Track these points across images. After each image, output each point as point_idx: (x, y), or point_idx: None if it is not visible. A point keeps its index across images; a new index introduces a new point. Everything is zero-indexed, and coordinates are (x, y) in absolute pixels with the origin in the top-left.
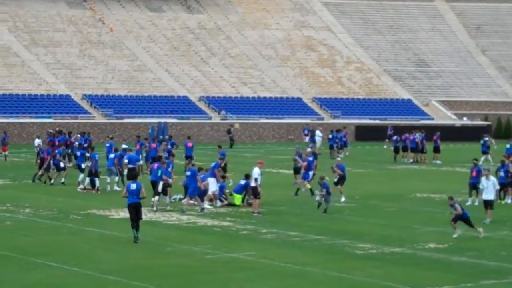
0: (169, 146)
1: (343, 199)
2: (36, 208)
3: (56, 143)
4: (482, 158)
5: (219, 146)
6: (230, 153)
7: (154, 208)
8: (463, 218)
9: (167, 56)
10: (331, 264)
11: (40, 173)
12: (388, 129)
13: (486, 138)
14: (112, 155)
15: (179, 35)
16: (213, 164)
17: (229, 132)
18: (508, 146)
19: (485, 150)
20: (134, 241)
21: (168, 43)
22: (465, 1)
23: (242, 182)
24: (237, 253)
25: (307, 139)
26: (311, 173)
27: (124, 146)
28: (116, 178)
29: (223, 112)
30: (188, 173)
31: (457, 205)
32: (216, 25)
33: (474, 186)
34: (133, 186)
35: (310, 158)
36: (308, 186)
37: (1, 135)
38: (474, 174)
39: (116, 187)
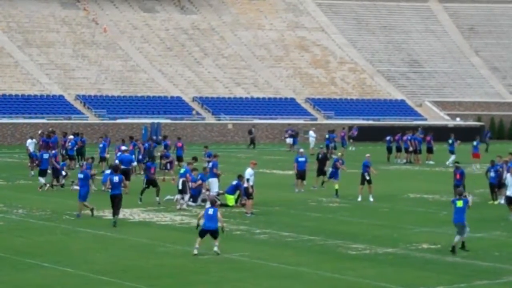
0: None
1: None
2: (29, 208)
3: (50, 144)
4: (450, 159)
5: (206, 147)
6: (224, 153)
7: (178, 206)
8: None
9: (160, 57)
10: (324, 265)
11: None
12: (353, 130)
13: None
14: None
15: (172, 36)
16: (211, 164)
17: (250, 132)
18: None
19: (452, 149)
20: (114, 226)
21: (162, 44)
22: (458, 1)
23: (234, 182)
24: (230, 254)
25: (288, 140)
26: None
27: (123, 147)
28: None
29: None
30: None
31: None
32: (209, 26)
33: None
34: (116, 178)
35: (303, 159)
36: (336, 186)
37: None
38: (457, 176)
39: None
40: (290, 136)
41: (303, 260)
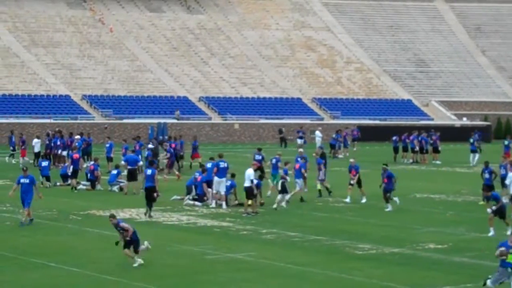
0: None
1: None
2: (36, 208)
3: (59, 143)
4: (475, 158)
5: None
6: (230, 153)
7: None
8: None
9: (166, 57)
10: (331, 265)
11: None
12: (353, 130)
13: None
14: (115, 172)
15: (178, 36)
16: (225, 165)
17: (280, 132)
18: (506, 143)
19: (474, 149)
20: (149, 216)
21: (168, 44)
22: (464, 1)
23: (228, 183)
24: (237, 254)
25: (299, 141)
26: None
27: (150, 146)
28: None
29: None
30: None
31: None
32: (216, 26)
33: (387, 192)
34: (149, 171)
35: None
36: (319, 186)
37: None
38: (385, 180)
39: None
40: (300, 137)
41: (310, 260)
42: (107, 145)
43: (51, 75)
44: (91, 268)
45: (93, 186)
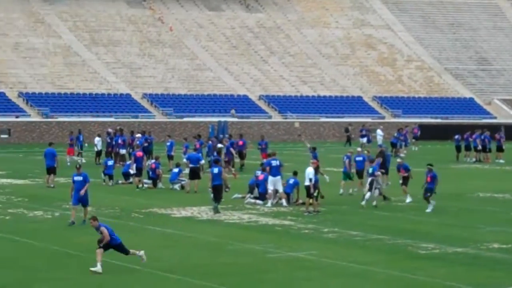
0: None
1: (408, 199)
2: (98, 206)
3: (121, 142)
4: None
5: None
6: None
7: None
8: None
9: (226, 55)
10: (393, 264)
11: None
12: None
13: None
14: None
15: (238, 34)
16: (278, 163)
17: (347, 130)
18: None
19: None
20: (217, 212)
21: (227, 42)
22: None
23: (291, 181)
24: (298, 252)
25: (363, 139)
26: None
27: (219, 145)
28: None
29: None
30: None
31: None
32: (275, 24)
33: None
34: (215, 170)
35: (360, 158)
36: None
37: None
38: (428, 179)
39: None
40: (363, 135)
41: (372, 259)
42: (168, 144)
43: (111, 74)
44: (153, 266)
45: (154, 184)
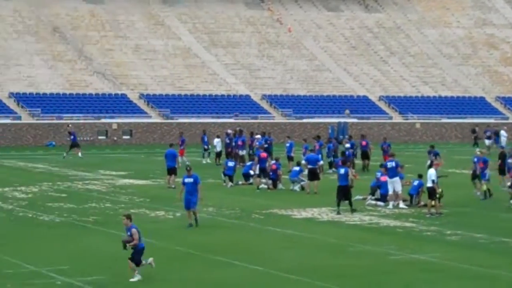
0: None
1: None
2: (218, 207)
3: (240, 143)
4: None
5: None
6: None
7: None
8: None
9: (345, 56)
10: None
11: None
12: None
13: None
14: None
15: (357, 34)
16: (393, 164)
17: (473, 131)
18: None
19: None
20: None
21: (347, 43)
22: None
23: (416, 182)
24: (420, 254)
25: (488, 141)
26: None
27: (347, 145)
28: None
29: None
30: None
31: None
32: (395, 24)
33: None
34: (342, 170)
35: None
36: (484, 187)
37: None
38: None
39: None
40: (488, 137)
41: (497, 262)
42: (287, 145)
43: (231, 75)
44: (273, 266)
45: (274, 185)
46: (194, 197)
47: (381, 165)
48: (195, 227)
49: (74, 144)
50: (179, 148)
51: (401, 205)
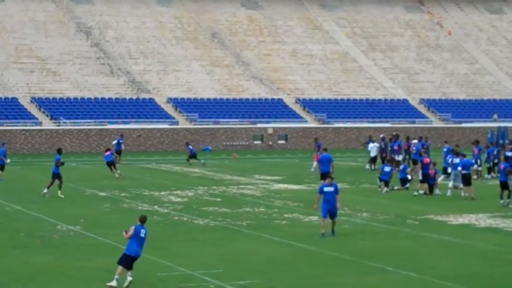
0: None
1: None
2: (373, 212)
3: (396, 147)
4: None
5: None
6: None
7: None
8: None
9: (507, 59)
10: None
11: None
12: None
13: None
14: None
15: None
16: None
17: None
18: None
19: None
20: None
21: (509, 46)
22: None
23: None
24: None
25: None
26: None
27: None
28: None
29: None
30: None
31: None
32: None
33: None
34: None
35: None
36: None
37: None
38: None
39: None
40: None
41: None
42: (445, 150)
43: (388, 80)
44: (429, 273)
45: (431, 190)
46: (334, 207)
47: None
48: (330, 236)
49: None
50: (315, 153)
51: None
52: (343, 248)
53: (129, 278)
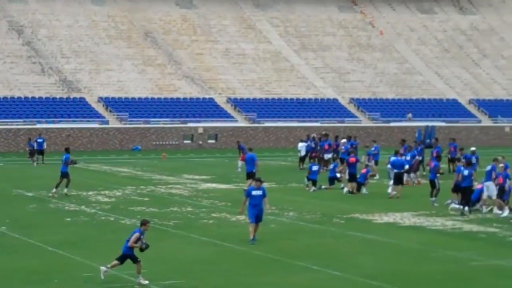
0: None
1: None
2: (300, 211)
3: (326, 147)
4: None
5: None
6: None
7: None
8: None
9: (437, 59)
10: None
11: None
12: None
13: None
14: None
15: (450, 37)
16: (489, 167)
17: None
18: None
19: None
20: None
21: (439, 45)
22: None
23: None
24: (503, 260)
25: None
26: None
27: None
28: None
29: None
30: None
31: None
32: (489, 26)
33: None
34: (466, 172)
35: None
36: None
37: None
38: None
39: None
40: None
41: None
42: (373, 149)
43: (319, 79)
44: (353, 272)
45: (358, 189)
46: (261, 212)
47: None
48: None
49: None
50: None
51: (495, 210)
52: (269, 247)
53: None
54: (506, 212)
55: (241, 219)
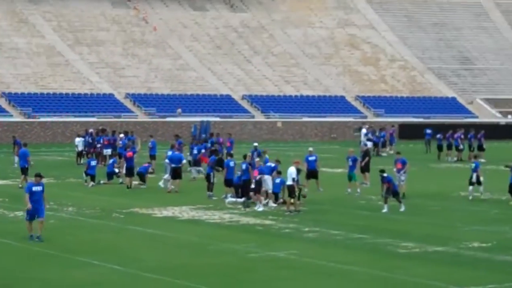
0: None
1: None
2: (79, 206)
3: (106, 141)
4: None
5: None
6: (273, 151)
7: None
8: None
9: (210, 55)
10: (374, 263)
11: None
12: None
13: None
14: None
15: (222, 34)
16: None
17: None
18: None
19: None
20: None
21: (211, 42)
22: None
23: (278, 180)
24: (279, 252)
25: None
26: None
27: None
28: (166, 176)
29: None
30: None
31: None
32: (259, 24)
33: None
34: (244, 166)
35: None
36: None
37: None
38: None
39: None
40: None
41: (353, 258)
42: (149, 144)
43: (94, 74)
44: (134, 266)
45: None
46: (42, 206)
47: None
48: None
49: None
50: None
51: (271, 203)
52: (48, 243)
53: None
54: (261, 208)
55: (19, 215)
